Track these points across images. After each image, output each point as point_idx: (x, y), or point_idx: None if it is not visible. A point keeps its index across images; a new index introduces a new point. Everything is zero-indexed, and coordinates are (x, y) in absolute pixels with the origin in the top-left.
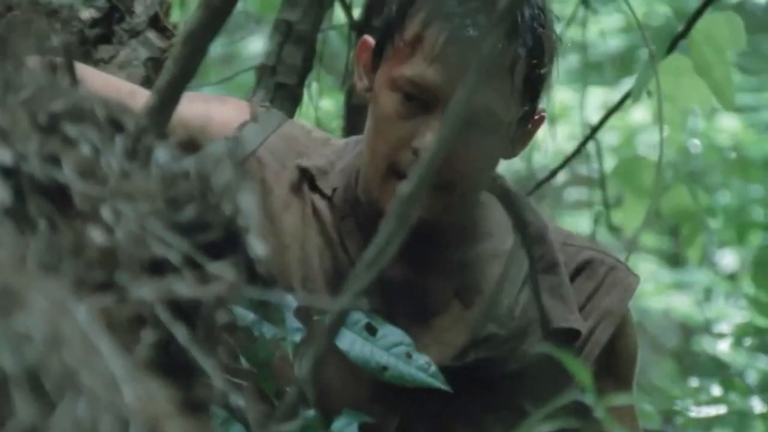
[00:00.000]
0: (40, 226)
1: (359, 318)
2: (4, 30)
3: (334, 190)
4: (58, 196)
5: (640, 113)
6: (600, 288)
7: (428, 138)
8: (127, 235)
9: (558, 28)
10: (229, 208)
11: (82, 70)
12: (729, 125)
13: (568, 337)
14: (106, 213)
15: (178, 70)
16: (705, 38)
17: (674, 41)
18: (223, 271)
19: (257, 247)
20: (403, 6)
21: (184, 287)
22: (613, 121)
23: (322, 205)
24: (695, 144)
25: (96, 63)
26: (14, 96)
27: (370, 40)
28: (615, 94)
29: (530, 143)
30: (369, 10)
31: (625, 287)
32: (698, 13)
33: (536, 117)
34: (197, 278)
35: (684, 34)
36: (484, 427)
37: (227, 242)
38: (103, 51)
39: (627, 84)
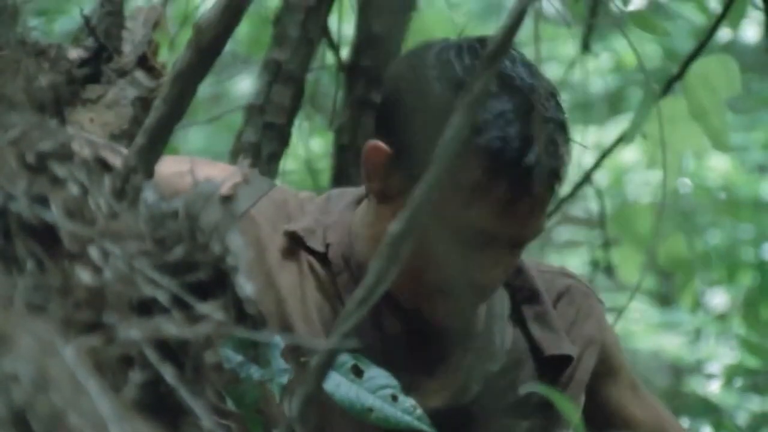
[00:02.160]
0: (27, 266)
1: (346, 360)
2: None
3: (328, 245)
4: (46, 236)
5: (630, 153)
6: (579, 314)
7: (497, 275)
8: (115, 275)
9: (553, 68)
10: (218, 248)
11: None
12: (719, 165)
13: (561, 364)
14: (94, 253)
15: (167, 110)
16: (700, 81)
17: (669, 83)
18: (212, 311)
19: (245, 286)
20: (426, 142)
21: (173, 327)
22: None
23: (316, 262)
24: (685, 184)
25: (84, 103)
26: (2, 136)
27: (384, 147)
28: (605, 134)
29: None
30: (357, 51)
31: (599, 312)
32: (693, 55)
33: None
34: (185, 318)
35: (679, 76)
36: None
37: (216, 282)
38: (91, 90)
39: (617, 123)
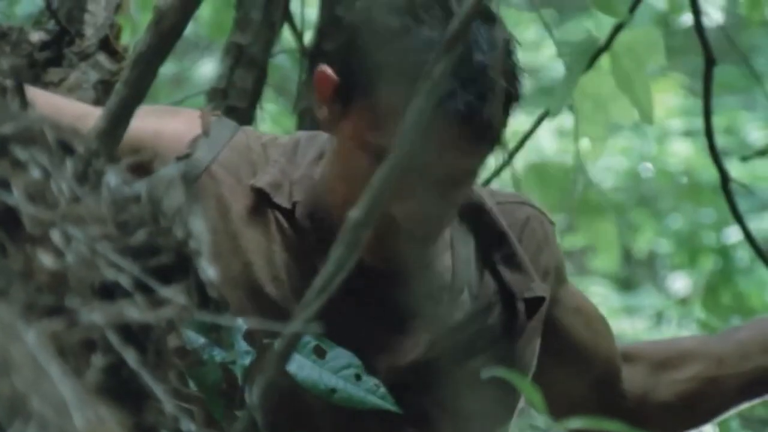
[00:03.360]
0: None
1: (308, 340)
2: None
3: (294, 203)
4: (7, 219)
5: (561, 120)
6: (539, 245)
7: (412, 211)
8: (77, 259)
9: (519, 53)
10: (181, 232)
11: (33, 92)
12: (680, 150)
13: (532, 305)
14: (56, 237)
15: (128, 93)
16: (625, 52)
17: (594, 56)
18: (174, 295)
19: (208, 270)
20: (372, 67)
21: (135, 311)
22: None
23: (283, 220)
24: (647, 168)
25: (46, 86)
26: None
27: (330, 74)
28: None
29: None
30: (320, 35)
31: (553, 238)
32: (618, 27)
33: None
34: (148, 302)
35: (605, 49)
36: (469, 417)
37: (178, 266)
38: (53, 74)
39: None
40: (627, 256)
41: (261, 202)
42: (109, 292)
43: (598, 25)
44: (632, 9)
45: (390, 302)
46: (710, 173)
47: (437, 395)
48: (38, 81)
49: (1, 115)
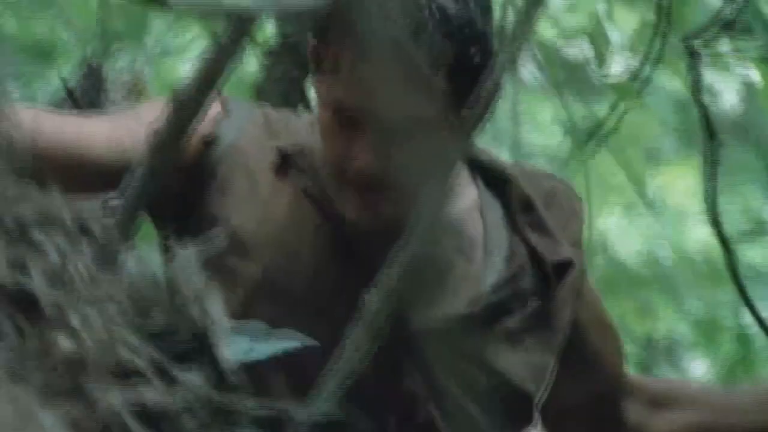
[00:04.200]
0: (6, 333)
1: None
2: None
3: (316, 169)
4: (25, 302)
5: None
6: (567, 216)
7: (360, 161)
8: (94, 342)
9: (531, 134)
10: (199, 315)
11: (32, 115)
12: (699, 233)
13: (561, 269)
14: (73, 319)
15: (146, 175)
16: (624, 131)
17: (591, 134)
18: (192, 377)
19: (226, 354)
20: (323, 20)
21: (152, 393)
22: None
23: (308, 181)
24: (665, 251)
25: None
26: None
27: (312, 41)
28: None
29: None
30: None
31: (582, 212)
32: (615, 106)
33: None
34: (165, 385)
35: (614, 130)
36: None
37: (196, 348)
38: None
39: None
40: (645, 338)
41: (285, 163)
42: (126, 374)
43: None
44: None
45: (423, 257)
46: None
47: (471, 355)
48: None
49: (19, 197)
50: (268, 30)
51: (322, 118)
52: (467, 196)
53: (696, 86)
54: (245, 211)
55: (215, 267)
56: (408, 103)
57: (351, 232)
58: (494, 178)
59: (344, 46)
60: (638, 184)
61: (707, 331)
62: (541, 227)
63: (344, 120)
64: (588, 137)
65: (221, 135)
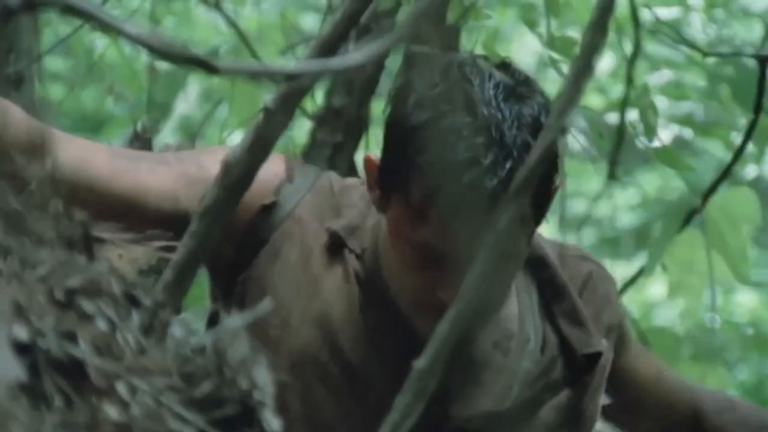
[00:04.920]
0: (55, 402)
1: None
2: (21, 206)
3: (364, 250)
4: (74, 371)
5: (655, 288)
6: (602, 302)
7: (446, 295)
8: (142, 411)
9: (581, 203)
10: (245, 383)
11: (63, 144)
12: (746, 300)
13: (591, 360)
14: (121, 389)
15: (195, 245)
16: (720, 213)
17: (689, 216)
18: None
19: (272, 422)
20: (408, 163)
21: None
22: (631, 295)
23: (357, 263)
24: (713, 318)
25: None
26: (31, 272)
27: (374, 159)
28: (632, 269)
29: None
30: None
31: (614, 295)
32: (712, 188)
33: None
34: None
35: (699, 209)
36: None
37: (243, 417)
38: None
39: (643, 258)
40: None
41: (338, 245)
42: None
43: (662, 176)
44: (726, 172)
45: (461, 352)
46: None
47: None
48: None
49: (68, 267)
50: (317, 97)
51: (401, 249)
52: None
53: None
54: (294, 284)
55: (258, 336)
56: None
57: (397, 323)
58: (531, 262)
59: (430, 193)
60: (737, 269)
61: (754, 397)
62: (574, 317)
63: (430, 258)
64: (676, 214)
65: (281, 202)
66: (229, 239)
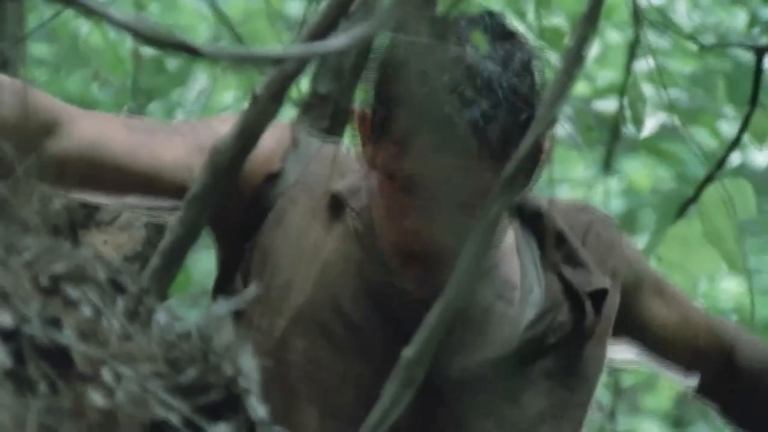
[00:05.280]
0: (40, 388)
1: None
2: (6, 192)
3: (363, 209)
4: (59, 357)
5: None
6: (605, 248)
7: (415, 226)
8: (127, 397)
9: (565, 189)
10: (230, 369)
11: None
12: (731, 287)
13: (597, 298)
14: (106, 375)
15: (183, 232)
16: (715, 204)
17: (684, 207)
18: (223, 430)
19: (258, 409)
20: (390, 101)
21: None
22: None
23: (360, 224)
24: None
25: (98, 225)
26: (16, 258)
27: (366, 111)
28: None
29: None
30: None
31: (618, 240)
32: (708, 178)
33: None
34: None
35: (694, 199)
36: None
37: (228, 404)
38: (105, 213)
39: None
40: (679, 394)
41: (339, 205)
42: (159, 430)
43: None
44: (719, 165)
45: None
46: (762, 311)
47: (501, 399)
48: (90, 219)
49: (53, 253)
50: (303, 84)
51: (386, 192)
52: (505, 238)
53: None
54: (296, 246)
55: (261, 299)
56: (464, 170)
57: (405, 299)
58: (529, 216)
59: (397, 115)
60: (730, 258)
61: None
62: (574, 260)
63: (395, 182)
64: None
65: (287, 169)
66: (236, 206)
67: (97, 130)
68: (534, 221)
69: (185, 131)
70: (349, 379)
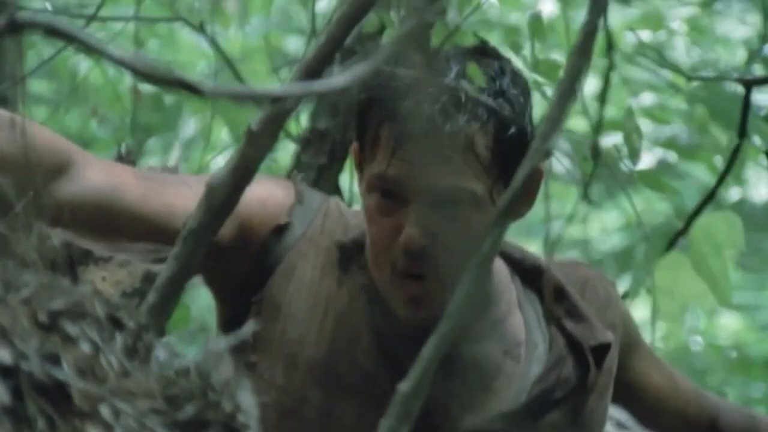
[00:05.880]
0: (39, 425)
1: None
2: (5, 229)
3: (366, 262)
4: (57, 394)
5: (640, 310)
6: (602, 304)
7: (409, 232)
8: None
9: (558, 225)
10: (229, 406)
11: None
12: (730, 323)
13: (599, 353)
14: (105, 411)
15: (179, 268)
16: (704, 237)
17: (673, 239)
18: None
19: None
20: (362, 110)
21: None
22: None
23: (363, 276)
24: (696, 341)
25: (96, 261)
26: (15, 295)
27: (356, 147)
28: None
29: (534, 201)
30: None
31: (616, 297)
32: (697, 211)
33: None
34: None
35: (683, 232)
36: None
37: None
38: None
39: (626, 281)
40: None
41: (348, 258)
42: None
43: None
44: (710, 196)
45: (472, 361)
46: (760, 347)
47: None
48: (89, 256)
49: (51, 290)
50: (302, 120)
51: (368, 206)
52: (508, 295)
53: None
54: (309, 300)
55: (275, 353)
56: (450, 178)
57: (405, 331)
58: (528, 273)
59: (383, 125)
60: (720, 294)
61: None
62: (576, 314)
63: (387, 198)
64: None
65: (294, 222)
66: (242, 260)
67: (109, 175)
68: (533, 277)
69: (193, 182)
70: (365, 428)
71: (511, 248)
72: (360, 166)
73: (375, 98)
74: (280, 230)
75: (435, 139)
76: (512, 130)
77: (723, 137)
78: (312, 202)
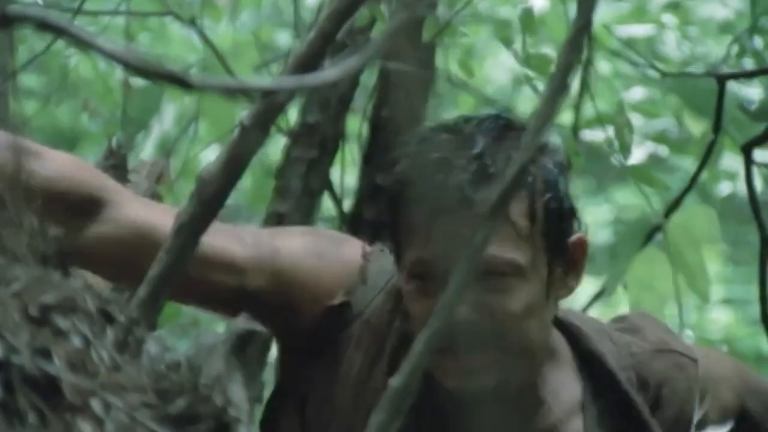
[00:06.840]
0: (29, 419)
1: None
2: None
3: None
4: (48, 388)
5: (624, 307)
6: (684, 399)
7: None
8: (117, 428)
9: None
10: (220, 400)
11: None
12: (721, 318)
13: None
14: (96, 405)
15: (170, 262)
16: (681, 231)
17: (650, 234)
18: None
19: None
20: (393, 197)
21: None
22: (600, 312)
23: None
24: (687, 336)
25: None
26: (5, 288)
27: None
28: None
29: (582, 273)
30: (359, 203)
31: (695, 385)
32: (674, 205)
33: (575, 242)
34: None
35: (660, 227)
36: None
37: None
38: None
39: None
40: None
41: (407, 347)
42: None
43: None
44: (685, 192)
45: None
46: (751, 342)
47: None
48: None
49: (42, 283)
50: (291, 114)
51: (408, 291)
52: (569, 394)
53: (751, 194)
54: (356, 394)
55: None
56: (489, 249)
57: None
58: (599, 373)
59: (415, 210)
60: (697, 287)
61: None
62: (623, 410)
63: (429, 280)
64: (636, 234)
65: (353, 303)
66: (297, 335)
67: (145, 213)
68: (605, 378)
69: (245, 235)
70: None
71: (587, 339)
72: (397, 253)
73: (404, 183)
74: (336, 310)
75: (467, 214)
76: (547, 195)
77: (699, 129)
78: (377, 283)
